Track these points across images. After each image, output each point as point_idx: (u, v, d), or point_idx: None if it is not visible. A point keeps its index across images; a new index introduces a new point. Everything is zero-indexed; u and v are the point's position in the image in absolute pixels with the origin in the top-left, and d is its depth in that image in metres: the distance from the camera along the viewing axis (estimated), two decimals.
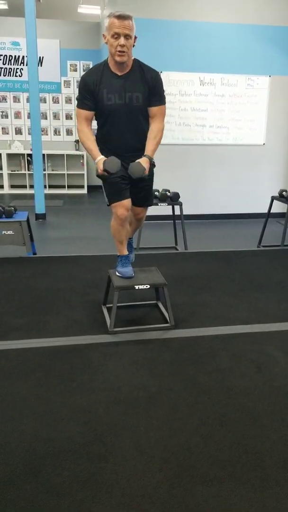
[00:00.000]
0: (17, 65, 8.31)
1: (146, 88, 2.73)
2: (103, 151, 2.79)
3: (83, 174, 8.69)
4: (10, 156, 8.53)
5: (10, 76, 8.36)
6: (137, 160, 2.74)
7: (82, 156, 8.62)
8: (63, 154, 8.52)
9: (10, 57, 8.27)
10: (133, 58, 2.74)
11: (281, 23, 6.02)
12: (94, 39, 8.22)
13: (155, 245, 5.00)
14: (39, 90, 6.13)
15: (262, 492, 1.69)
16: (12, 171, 8.60)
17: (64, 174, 8.66)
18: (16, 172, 8.60)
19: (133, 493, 1.67)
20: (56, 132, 8.65)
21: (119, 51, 2.61)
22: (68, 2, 8.65)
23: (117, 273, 3.04)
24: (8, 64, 8.31)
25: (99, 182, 2.95)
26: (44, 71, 8.29)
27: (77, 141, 8.59)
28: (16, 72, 8.34)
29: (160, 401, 2.21)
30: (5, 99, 8.48)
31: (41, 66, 8.31)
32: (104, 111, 2.75)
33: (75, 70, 8.50)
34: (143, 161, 2.74)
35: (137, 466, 1.81)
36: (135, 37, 2.68)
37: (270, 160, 6.51)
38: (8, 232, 4.34)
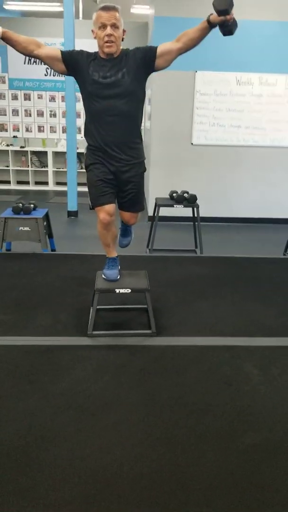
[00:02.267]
0: None
1: (134, 63, 2.60)
2: (89, 148, 2.74)
3: None
4: (56, 154, 8.74)
5: (59, 76, 8.54)
6: None
7: None
8: None
9: None
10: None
11: None
12: (141, 38, 8.18)
13: (174, 247, 4.89)
14: (75, 89, 6.21)
15: None
16: (57, 168, 8.81)
17: None
18: (61, 170, 8.80)
19: (43, 504, 1.62)
20: None
21: (107, 41, 2.53)
22: (122, 3, 8.68)
23: (103, 275, 3.00)
24: None
25: None
26: None
27: None
28: None
29: (111, 411, 2.14)
30: (54, 99, 8.71)
31: None
32: (87, 88, 2.63)
33: None
34: None
35: (60, 477, 1.75)
36: (124, 31, 2.62)
37: None
38: (25, 229, 4.43)
